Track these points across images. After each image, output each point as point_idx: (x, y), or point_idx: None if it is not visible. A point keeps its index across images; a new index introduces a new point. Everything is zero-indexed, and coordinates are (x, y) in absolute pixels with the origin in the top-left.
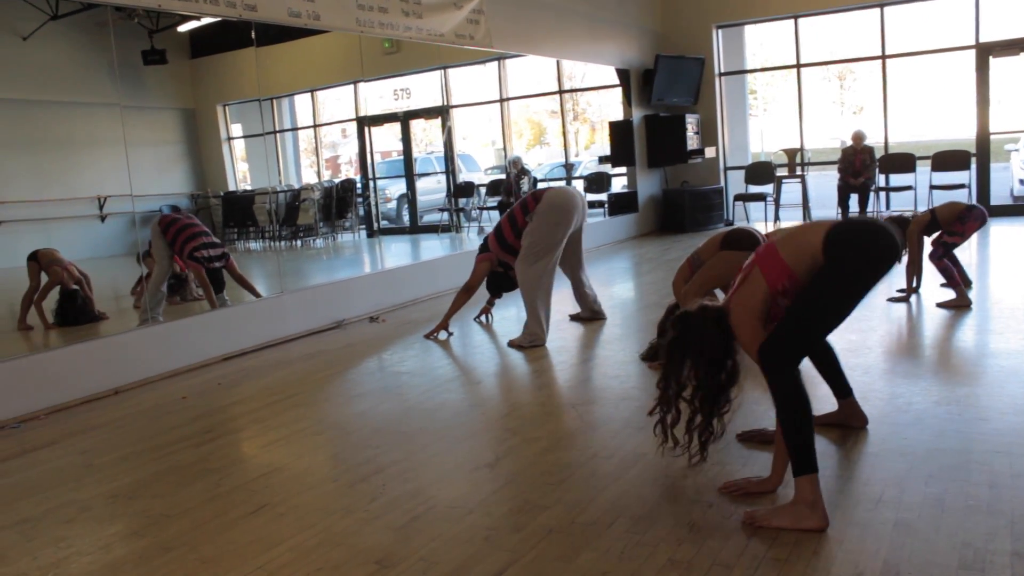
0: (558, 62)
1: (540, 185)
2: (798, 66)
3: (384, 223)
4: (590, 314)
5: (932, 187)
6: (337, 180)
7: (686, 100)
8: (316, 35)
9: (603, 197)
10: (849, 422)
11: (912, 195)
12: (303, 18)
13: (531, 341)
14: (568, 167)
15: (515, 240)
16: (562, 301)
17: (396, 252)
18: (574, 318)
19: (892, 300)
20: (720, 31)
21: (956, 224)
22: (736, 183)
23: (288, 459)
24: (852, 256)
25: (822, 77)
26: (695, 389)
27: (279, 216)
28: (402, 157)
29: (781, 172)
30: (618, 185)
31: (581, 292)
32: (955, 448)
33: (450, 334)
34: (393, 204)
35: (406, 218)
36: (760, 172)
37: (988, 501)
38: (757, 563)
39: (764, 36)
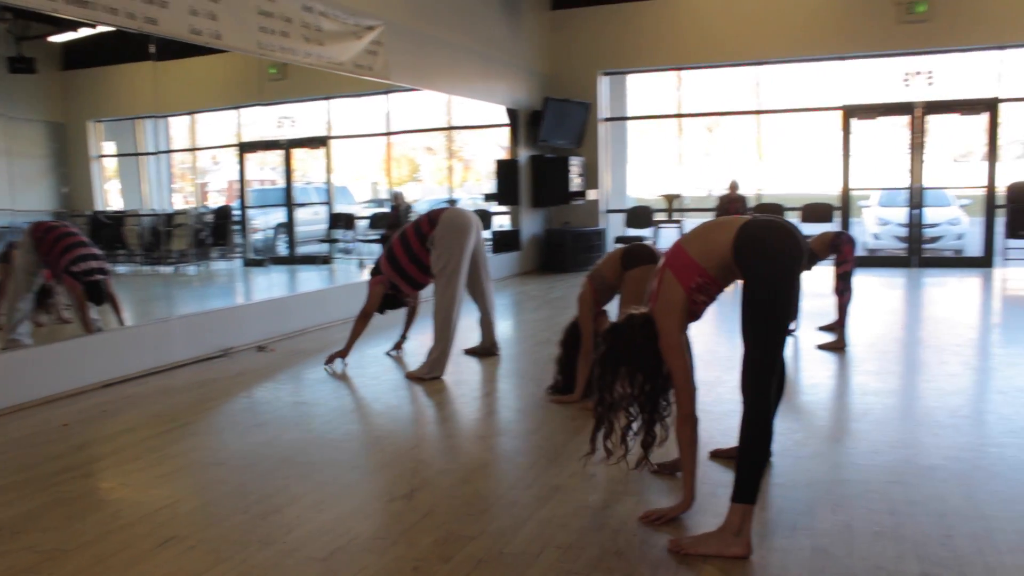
0: (449, 99)
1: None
2: (679, 116)
3: (260, 253)
4: (485, 349)
5: None
6: (214, 207)
7: (571, 143)
8: (200, 55)
9: (486, 235)
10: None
11: None
12: (204, 36)
13: (431, 372)
14: (451, 203)
15: (408, 263)
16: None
17: (275, 282)
18: (468, 352)
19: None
20: (606, 78)
21: (833, 252)
22: (616, 226)
23: (190, 490)
24: (763, 264)
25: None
26: (633, 398)
27: (150, 240)
28: (280, 186)
29: (659, 216)
30: (499, 223)
31: (487, 322)
32: (854, 479)
33: (345, 364)
34: (270, 233)
35: (281, 248)
36: (640, 216)
37: (891, 527)
38: None
39: (647, 86)
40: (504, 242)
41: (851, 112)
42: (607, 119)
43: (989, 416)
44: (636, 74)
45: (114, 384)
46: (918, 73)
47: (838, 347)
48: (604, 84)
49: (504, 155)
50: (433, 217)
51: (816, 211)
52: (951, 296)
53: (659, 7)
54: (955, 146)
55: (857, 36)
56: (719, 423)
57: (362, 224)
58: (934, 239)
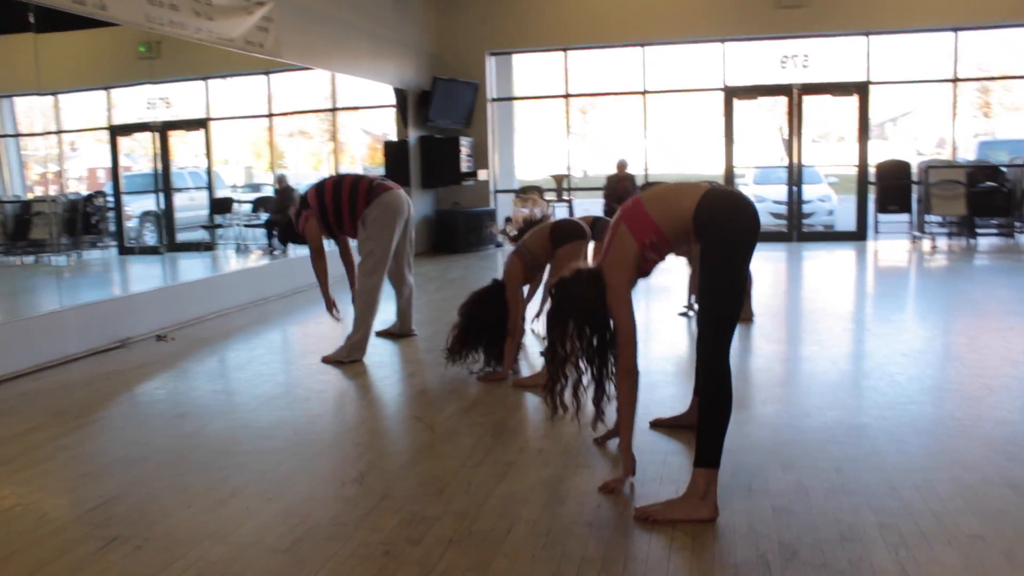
0: (333, 79)
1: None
2: (567, 96)
3: (136, 240)
4: (401, 332)
5: None
6: (86, 193)
7: (460, 123)
8: (60, 31)
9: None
10: (695, 422)
11: None
12: (88, 6)
13: (351, 355)
14: (387, 181)
15: (333, 211)
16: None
17: (154, 271)
18: (382, 334)
19: (682, 314)
20: (493, 58)
21: None
22: (505, 206)
23: (122, 488)
24: (723, 231)
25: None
26: (582, 352)
27: (13, 229)
28: (156, 171)
29: (549, 196)
30: None
31: (406, 306)
32: (795, 440)
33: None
34: (144, 220)
35: (154, 236)
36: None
37: (840, 483)
38: (668, 554)
39: (534, 66)
40: None
41: (732, 93)
42: (495, 99)
43: (899, 377)
44: (523, 54)
45: (2, 381)
46: (794, 56)
47: (746, 319)
48: (492, 64)
49: (390, 136)
50: (373, 192)
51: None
52: (835, 268)
53: None
54: (828, 126)
55: (738, 20)
56: (652, 393)
57: (244, 209)
58: (807, 215)
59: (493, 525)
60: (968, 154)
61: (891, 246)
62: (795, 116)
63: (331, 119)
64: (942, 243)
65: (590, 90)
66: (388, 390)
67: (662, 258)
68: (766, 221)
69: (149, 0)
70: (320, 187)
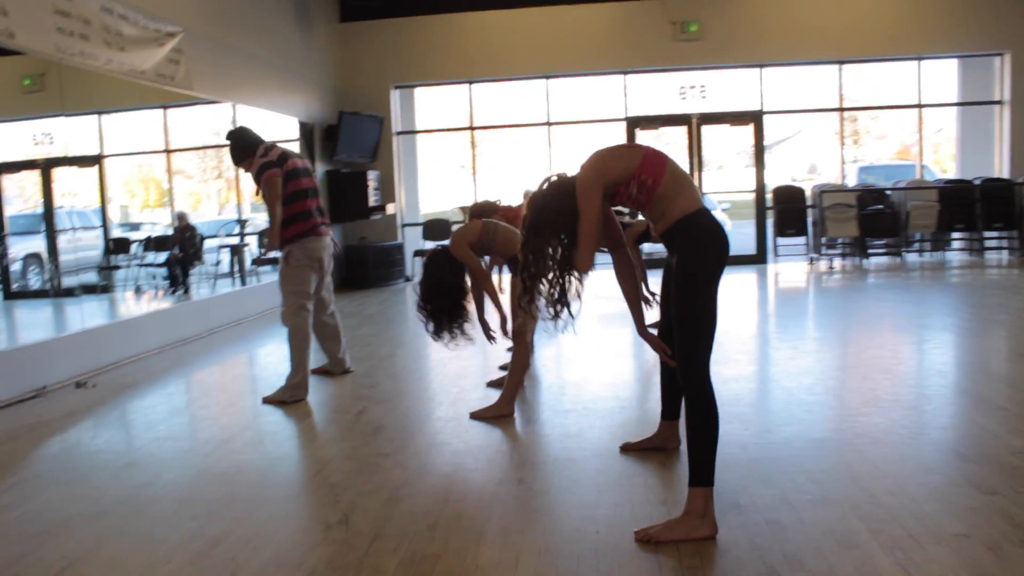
0: (233, 113)
1: (222, 242)
2: (471, 128)
3: (22, 283)
4: (336, 367)
5: None
6: None
7: (366, 157)
8: None
9: (280, 253)
10: (666, 444)
11: None
12: None
13: (293, 395)
14: (243, 223)
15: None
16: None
17: (46, 316)
18: (317, 372)
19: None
20: (398, 91)
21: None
22: (412, 240)
23: (86, 546)
24: (705, 257)
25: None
26: (554, 264)
27: None
28: (42, 210)
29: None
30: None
31: (329, 339)
32: (764, 456)
33: None
34: (28, 263)
35: (39, 279)
36: (437, 229)
37: (820, 494)
38: (680, 574)
39: (438, 99)
40: None
41: (635, 123)
42: (400, 132)
43: (841, 391)
44: (427, 87)
45: None
46: (692, 87)
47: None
48: (396, 97)
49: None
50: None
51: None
52: (744, 290)
53: (447, 22)
54: (726, 153)
55: (638, 53)
56: (613, 418)
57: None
58: None
59: (498, 557)
60: (848, 179)
61: (790, 268)
62: (695, 145)
63: (218, 155)
64: (837, 264)
65: (495, 122)
66: (344, 429)
67: (631, 201)
68: (659, 248)
69: (59, 29)
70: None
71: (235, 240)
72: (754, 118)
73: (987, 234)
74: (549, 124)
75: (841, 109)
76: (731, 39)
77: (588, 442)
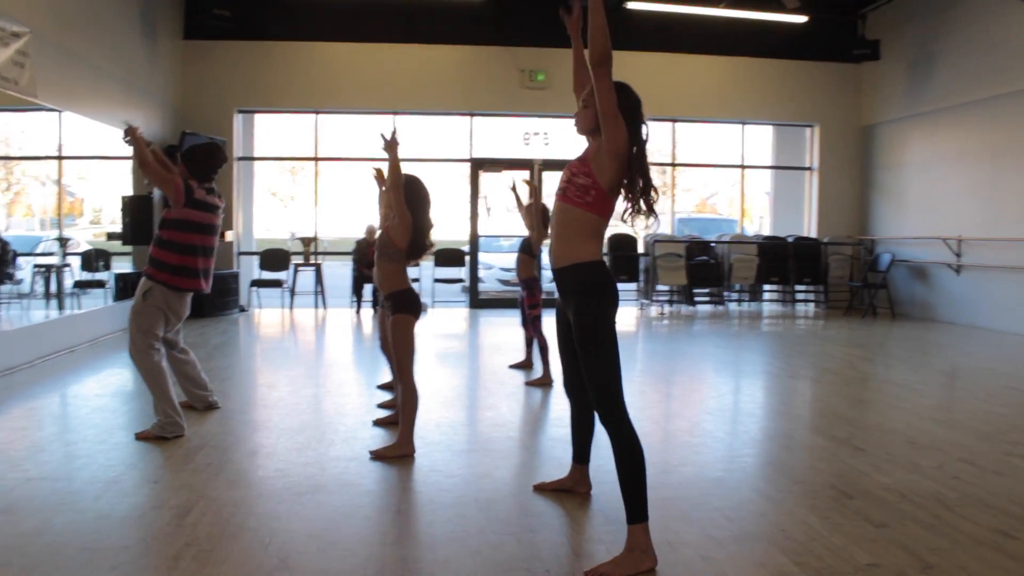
0: (59, 124)
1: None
2: (316, 159)
3: None
4: (199, 402)
5: (435, 280)
6: None
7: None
8: None
9: (104, 277)
10: (577, 488)
11: (416, 286)
12: None
13: (172, 432)
14: (64, 241)
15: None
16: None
17: None
18: (183, 406)
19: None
20: (240, 116)
21: (526, 290)
22: (248, 269)
23: None
24: (606, 303)
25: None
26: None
27: None
28: None
29: (297, 259)
30: (121, 265)
31: (186, 375)
32: (674, 496)
33: None
34: None
35: None
36: (276, 258)
37: (739, 530)
38: None
39: (281, 126)
40: (129, 287)
41: (479, 164)
42: (241, 158)
43: (718, 432)
44: (269, 114)
45: None
46: (536, 133)
47: (545, 383)
48: (239, 122)
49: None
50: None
51: (448, 256)
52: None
53: (296, 49)
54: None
55: (486, 96)
56: (509, 459)
57: None
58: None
59: None
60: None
61: (623, 313)
62: (536, 189)
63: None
64: (667, 310)
65: (340, 154)
66: (245, 470)
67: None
68: (493, 287)
69: None
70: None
71: (54, 259)
72: None
73: (797, 287)
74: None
75: (673, 164)
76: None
77: (501, 483)
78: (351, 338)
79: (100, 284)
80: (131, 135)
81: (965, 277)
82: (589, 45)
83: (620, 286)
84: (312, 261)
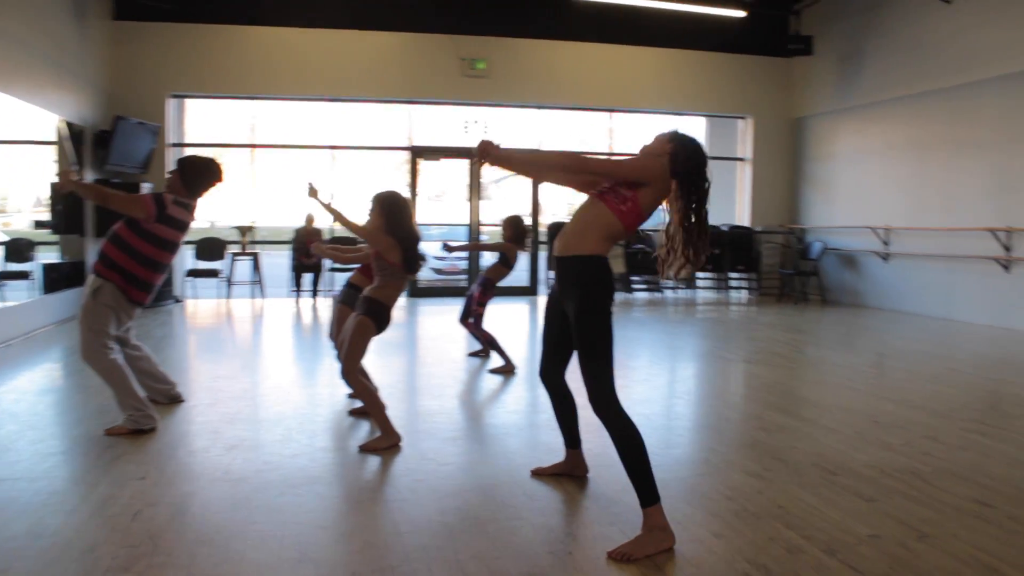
0: None
1: None
2: (252, 146)
3: None
4: (162, 396)
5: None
6: None
7: (138, 168)
8: None
9: (28, 267)
10: (574, 471)
11: None
12: None
13: (146, 423)
14: None
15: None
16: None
17: None
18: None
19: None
20: (173, 101)
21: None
22: (181, 258)
23: None
24: (602, 292)
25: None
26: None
27: None
28: None
29: (234, 249)
30: (47, 255)
31: (143, 371)
32: (669, 478)
33: None
34: None
35: None
36: (211, 247)
37: (741, 508)
38: None
39: (215, 112)
40: (61, 278)
41: (418, 153)
42: (175, 144)
43: (692, 416)
44: (203, 99)
45: None
46: (476, 122)
47: (509, 370)
48: (171, 107)
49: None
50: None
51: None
52: (536, 320)
53: (231, 34)
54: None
55: (425, 84)
56: (499, 445)
57: None
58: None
59: None
60: None
61: None
62: (475, 178)
63: None
64: None
65: (277, 141)
66: (230, 463)
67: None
68: (428, 276)
69: None
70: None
71: None
72: None
73: (731, 275)
74: (333, 148)
75: (611, 154)
76: (515, 80)
77: (498, 469)
78: (298, 328)
79: (24, 276)
80: (73, 186)
81: (892, 265)
82: (539, 177)
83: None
84: (249, 250)
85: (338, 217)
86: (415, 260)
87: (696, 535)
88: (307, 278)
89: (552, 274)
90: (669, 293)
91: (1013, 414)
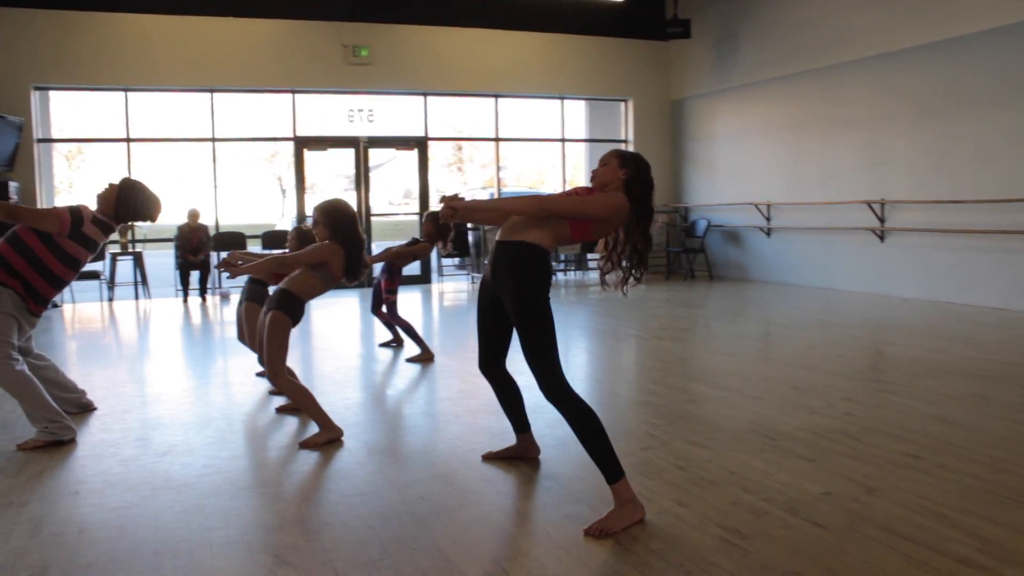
0: None
1: None
2: (128, 140)
3: None
4: (72, 406)
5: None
6: None
7: (2, 165)
8: None
9: None
10: (527, 454)
11: None
12: None
13: (64, 434)
14: None
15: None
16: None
17: None
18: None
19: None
20: (38, 93)
21: (387, 273)
22: None
23: None
24: (539, 280)
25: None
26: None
27: None
28: None
29: (114, 249)
30: None
31: (51, 381)
32: (619, 453)
33: None
34: None
35: None
36: None
37: (697, 476)
38: (657, 556)
39: (79, 105)
40: None
41: (303, 143)
42: (42, 140)
43: (624, 390)
44: (71, 91)
45: None
46: (361, 110)
47: (427, 359)
48: (35, 99)
49: None
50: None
51: (276, 239)
52: (442, 306)
53: (101, 21)
54: (396, 177)
55: (308, 72)
56: (443, 432)
57: None
58: None
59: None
60: None
61: (455, 287)
62: (362, 167)
63: None
64: None
65: (155, 135)
66: (168, 470)
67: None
68: None
69: None
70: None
71: None
72: (419, 143)
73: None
74: (214, 140)
75: (497, 139)
76: (400, 67)
77: (450, 456)
78: (194, 327)
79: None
80: None
81: (774, 239)
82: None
83: (449, 261)
84: (131, 250)
85: (260, 267)
86: (357, 267)
87: (661, 506)
88: (194, 276)
89: (443, 261)
90: (560, 275)
91: (912, 372)
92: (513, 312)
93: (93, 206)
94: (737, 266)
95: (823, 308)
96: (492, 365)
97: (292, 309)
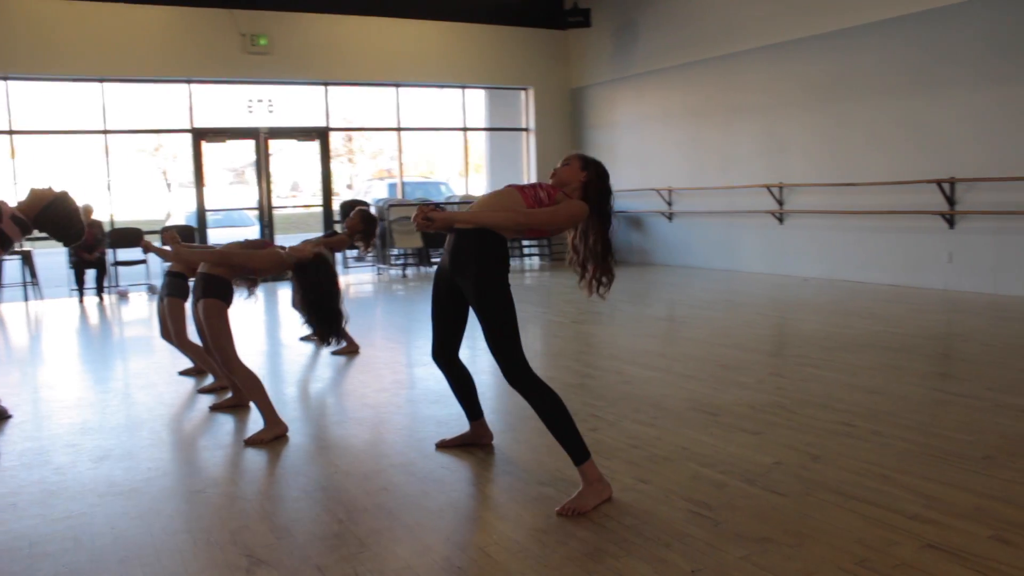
0: None
1: None
2: (11, 133)
3: None
4: None
5: (116, 263)
6: None
7: None
8: None
9: None
10: (480, 440)
11: (144, 269)
12: None
13: None
14: None
15: None
16: None
17: None
18: None
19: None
20: None
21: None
22: None
23: None
24: (499, 269)
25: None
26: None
27: None
28: None
29: None
30: None
31: None
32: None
33: None
34: None
35: None
36: None
37: (651, 453)
38: (633, 532)
39: None
40: None
41: (201, 135)
42: None
43: (559, 375)
44: None
45: None
46: (260, 100)
47: (353, 351)
48: None
49: None
50: None
51: (179, 233)
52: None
53: None
54: (294, 169)
55: (205, 62)
56: (390, 424)
57: None
58: None
59: (460, 561)
60: (378, 194)
61: (360, 278)
62: (263, 159)
63: None
64: (407, 272)
65: (40, 127)
66: (113, 476)
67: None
68: None
69: None
70: None
71: None
72: (320, 134)
73: (524, 243)
74: (106, 132)
75: (399, 129)
76: (299, 56)
77: (403, 447)
78: (97, 328)
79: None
80: None
81: (677, 223)
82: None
83: (353, 252)
84: (18, 248)
85: (196, 255)
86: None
87: (624, 484)
88: (90, 275)
89: (347, 252)
90: None
91: (827, 346)
92: (474, 299)
93: (12, 203)
94: (640, 251)
95: (728, 289)
96: (446, 354)
97: (221, 292)
